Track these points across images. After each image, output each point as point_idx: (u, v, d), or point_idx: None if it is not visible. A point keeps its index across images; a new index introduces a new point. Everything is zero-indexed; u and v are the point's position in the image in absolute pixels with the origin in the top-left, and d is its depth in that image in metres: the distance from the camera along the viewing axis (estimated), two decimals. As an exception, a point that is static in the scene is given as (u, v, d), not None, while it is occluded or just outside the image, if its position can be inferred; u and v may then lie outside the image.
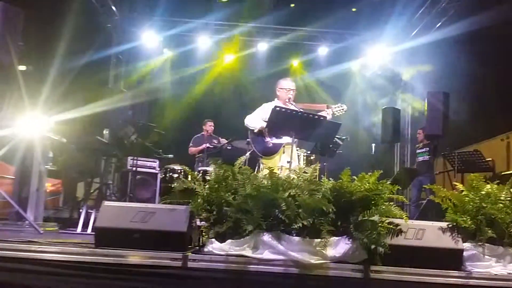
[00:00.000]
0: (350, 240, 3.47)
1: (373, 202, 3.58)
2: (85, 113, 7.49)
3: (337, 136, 7.11)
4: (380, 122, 10.14)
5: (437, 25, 11.02)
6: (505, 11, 8.30)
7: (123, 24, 12.20)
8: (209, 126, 9.51)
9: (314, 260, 3.39)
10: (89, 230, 5.75)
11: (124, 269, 3.37)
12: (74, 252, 3.47)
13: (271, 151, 5.72)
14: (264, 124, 5.59)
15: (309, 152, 7.28)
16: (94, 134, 7.40)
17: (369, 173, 3.71)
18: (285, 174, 3.95)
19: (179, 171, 7.85)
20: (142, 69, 12.35)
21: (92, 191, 7.10)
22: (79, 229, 5.95)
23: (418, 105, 11.72)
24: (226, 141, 8.44)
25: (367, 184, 3.61)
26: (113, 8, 11.62)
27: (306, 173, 3.83)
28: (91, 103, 7.81)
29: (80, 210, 6.31)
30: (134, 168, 7.87)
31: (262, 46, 12.53)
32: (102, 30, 11.84)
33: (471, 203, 3.68)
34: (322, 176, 3.99)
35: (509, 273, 3.50)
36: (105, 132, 9.70)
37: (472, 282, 3.46)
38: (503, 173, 8.27)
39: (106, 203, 3.76)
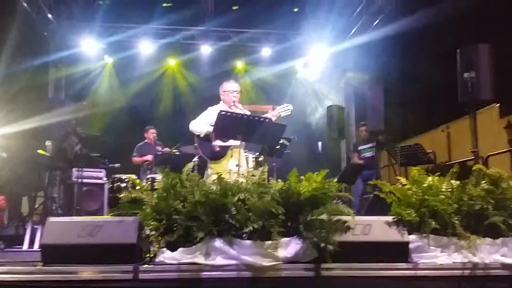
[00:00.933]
0: (301, 240, 3.52)
1: (321, 201, 3.64)
2: (26, 126, 7.26)
3: (284, 136, 7.18)
4: (325, 121, 10.32)
5: (374, 23, 11.31)
6: (439, 7, 8.61)
7: (60, 32, 11.87)
8: (151, 134, 9.37)
9: (266, 262, 3.42)
10: (36, 247, 5.57)
11: (74, 285, 3.30)
12: (21, 271, 3.37)
13: (219, 155, 5.71)
14: (211, 128, 5.56)
15: (257, 153, 7.32)
16: (36, 147, 7.17)
17: (316, 172, 3.77)
18: (234, 178, 3.96)
19: (126, 180, 7.71)
20: (83, 77, 12.06)
21: (36, 206, 6.87)
22: (25, 246, 5.74)
23: (360, 102, 11.99)
24: (170, 150, 8.35)
25: (314, 184, 3.66)
26: (49, 15, 11.29)
27: (254, 176, 3.85)
28: (32, 115, 7.57)
29: (26, 227, 6.09)
30: (79, 180, 7.68)
31: (206, 49, 12.50)
32: (40, 39, 11.51)
33: (414, 196, 3.79)
34: (270, 178, 4.00)
35: (454, 262, 3.63)
36: (48, 144, 9.42)
37: (419, 273, 3.58)
38: (444, 164, 8.60)
39: (51, 219, 3.65)
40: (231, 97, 5.88)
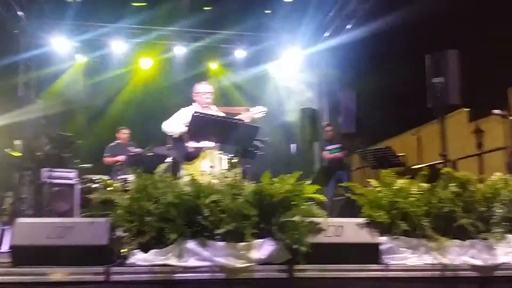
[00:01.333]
0: (274, 241, 3.54)
1: (293, 202, 3.67)
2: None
3: (257, 138, 7.20)
4: (298, 123, 10.37)
5: (347, 27, 11.43)
6: (409, 12, 8.76)
7: (31, 30, 11.66)
8: (123, 134, 9.26)
9: (239, 264, 3.43)
10: (3, 248, 5.45)
11: (45, 287, 3.24)
12: (-11, 273, 3.30)
13: (192, 156, 5.68)
14: (184, 129, 5.54)
15: (231, 155, 7.32)
16: (6, 146, 7.04)
17: (289, 174, 3.80)
18: (207, 180, 3.96)
19: (98, 181, 7.62)
20: (54, 76, 11.86)
21: (5, 206, 6.74)
22: (-7, 248, 5.62)
23: (333, 105, 12.10)
24: (142, 150, 8.27)
25: (287, 186, 3.69)
26: (19, 13, 11.07)
27: (228, 177, 3.85)
28: (2, 114, 7.43)
29: (-6, 228, 5.96)
30: (50, 180, 7.56)
31: (179, 50, 12.43)
32: (9, 37, 11.28)
33: (385, 199, 3.85)
34: (244, 179, 4.02)
35: (424, 264, 3.70)
36: (17, 143, 9.23)
37: (390, 274, 3.64)
38: (414, 167, 8.73)
39: (20, 219, 3.59)
40: (204, 98, 5.86)
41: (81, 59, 12.31)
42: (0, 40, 10.55)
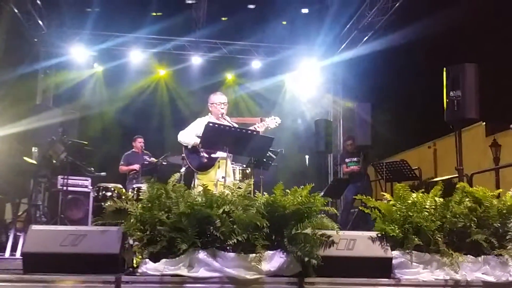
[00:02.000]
0: (284, 253, 3.53)
1: (305, 215, 3.65)
2: (13, 131, 7.20)
3: (271, 149, 7.20)
4: (313, 134, 10.35)
5: (364, 40, 11.43)
6: (426, 26, 8.73)
7: (51, 39, 11.85)
8: (139, 143, 9.35)
9: (249, 275, 3.41)
10: (18, 254, 5.50)
11: (55, 295, 3.26)
12: (1, 279, 3.32)
13: (206, 166, 5.70)
14: (198, 140, 5.57)
15: (244, 165, 7.33)
16: (22, 153, 7.11)
17: (302, 186, 3.79)
18: (220, 190, 3.96)
19: (112, 189, 7.66)
20: (72, 85, 12.01)
21: (20, 213, 6.80)
22: (7, 254, 5.67)
23: (348, 117, 12.07)
24: (156, 160, 8.32)
25: (300, 198, 3.67)
26: (40, 22, 11.27)
27: (240, 188, 3.85)
28: (19, 121, 7.52)
29: (8, 234, 6.02)
30: (64, 188, 7.62)
31: (196, 60, 12.53)
32: (30, 45, 11.48)
33: (398, 212, 3.82)
34: (256, 190, 4.02)
35: (436, 279, 3.65)
36: (34, 150, 9.34)
37: (401, 289, 3.60)
38: (429, 181, 8.66)
39: (34, 227, 3.62)
40: (219, 109, 5.89)
41: (99, 68, 12.44)
42: (20, 48, 10.72)
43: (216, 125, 5.23)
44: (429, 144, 10.13)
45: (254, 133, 5.33)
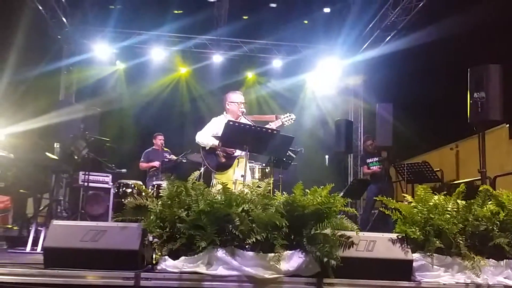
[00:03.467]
0: (303, 253, 3.51)
1: (325, 215, 3.64)
2: (35, 126, 7.28)
3: (291, 148, 7.18)
4: (333, 134, 10.30)
5: (387, 39, 11.33)
6: (450, 26, 8.61)
7: (74, 36, 11.98)
8: (159, 140, 9.39)
9: (268, 274, 3.41)
10: (39, 249, 5.56)
11: (75, 290, 3.29)
12: (22, 273, 3.37)
13: (225, 166, 5.69)
14: (216, 142, 5.55)
15: (263, 164, 7.32)
16: (44, 149, 7.19)
17: (321, 186, 3.77)
18: (239, 189, 3.96)
19: (132, 186, 7.72)
20: (94, 82, 12.12)
21: (41, 208, 6.88)
22: (28, 248, 5.74)
23: (369, 117, 11.98)
24: (176, 157, 8.35)
25: (319, 198, 3.65)
26: (64, 19, 11.41)
27: (260, 187, 3.84)
28: (42, 116, 7.61)
29: (30, 228, 6.10)
30: (85, 183, 7.69)
31: (217, 58, 12.55)
32: (53, 42, 11.62)
33: (420, 214, 3.78)
34: (275, 189, 4.01)
35: (457, 283, 3.61)
36: (56, 146, 9.45)
37: (422, 292, 3.56)
38: (451, 183, 8.54)
39: (55, 222, 3.66)
40: (238, 107, 5.86)
41: (121, 66, 12.54)
42: (44, 45, 10.86)
43: (237, 124, 5.23)
44: (451, 146, 9.96)
45: (274, 132, 5.31)
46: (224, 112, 5.97)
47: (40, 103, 9.04)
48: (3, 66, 8.80)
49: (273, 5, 11.98)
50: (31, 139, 7.10)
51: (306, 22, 12.36)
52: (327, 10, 11.88)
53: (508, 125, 8.30)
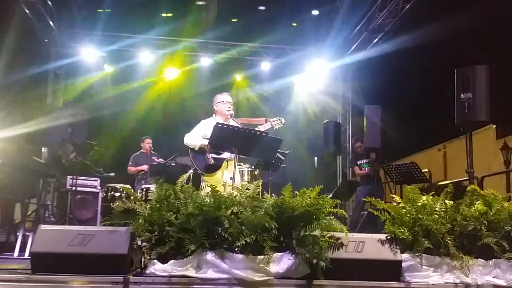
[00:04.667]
0: (293, 255, 3.51)
1: (314, 217, 3.64)
2: (23, 131, 7.23)
3: (280, 150, 7.18)
4: (321, 136, 10.32)
5: (374, 41, 11.39)
6: (437, 28, 8.69)
7: (61, 39, 11.93)
8: (147, 144, 9.36)
9: (258, 277, 3.40)
10: (26, 254, 5.51)
11: (63, 295, 3.26)
12: (9, 279, 3.34)
13: (213, 168, 5.68)
14: (205, 142, 5.54)
15: (253, 167, 7.32)
16: (32, 153, 7.13)
17: (310, 188, 3.77)
18: (228, 191, 3.95)
19: (121, 190, 7.67)
20: (82, 85, 12.06)
21: (29, 213, 6.82)
22: (16, 254, 5.69)
23: (357, 119, 12.03)
24: (164, 160, 8.32)
25: (308, 199, 3.66)
26: (51, 23, 11.34)
27: (249, 189, 3.84)
28: (29, 121, 7.56)
29: (17, 234, 6.04)
30: (73, 188, 7.64)
31: (206, 61, 12.54)
32: (40, 46, 11.55)
33: (408, 215, 3.79)
34: (265, 192, 4.01)
35: (446, 283, 3.63)
36: (44, 150, 9.38)
37: (411, 292, 3.57)
38: (439, 183, 8.60)
39: (43, 226, 3.63)
40: (226, 107, 5.85)
41: (109, 69, 12.48)
42: (31, 49, 10.79)
43: (225, 126, 5.22)
44: (439, 147, 10.06)
45: (263, 134, 5.31)
46: (213, 115, 5.96)
47: (28, 107, 8.98)
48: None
49: (262, 7, 12.00)
50: (18, 144, 7.05)
51: (295, 24, 12.40)
52: (315, 12, 11.92)
53: (495, 125, 8.39)
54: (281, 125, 5.95)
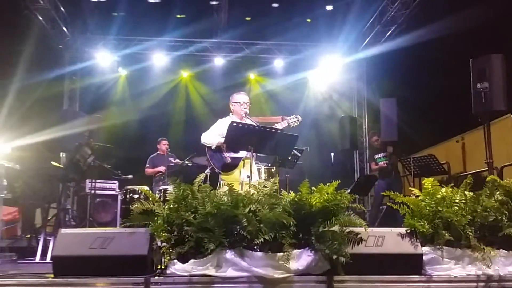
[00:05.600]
0: (312, 251, 3.50)
1: (332, 212, 3.63)
2: (41, 138, 7.31)
3: (296, 147, 7.17)
4: (337, 131, 10.28)
5: (387, 34, 11.30)
6: (451, 18, 8.58)
7: (75, 45, 12.05)
8: (163, 145, 9.43)
9: (278, 274, 3.40)
10: (48, 258, 5.58)
11: (86, 297, 3.30)
12: (32, 283, 3.39)
13: (230, 166, 5.70)
14: (222, 140, 5.56)
15: (269, 164, 7.31)
16: (50, 159, 7.22)
17: (327, 184, 3.75)
18: (245, 189, 3.95)
19: (139, 191, 7.73)
20: (97, 89, 12.17)
21: (49, 217, 6.91)
22: (37, 258, 5.77)
23: (373, 113, 11.95)
24: (181, 161, 8.35)
25: (326, 195, 3.65)
26: (64, 29, 11.44)
27: (266, 187, 3.84)
28: (46, 127, 7.64)
29: (39, 238, 6.13)
30: (92, 191, 7.72)
31: (219, 61, 12.55)
32: (55, 52, 11.68)
33: (428, 208, 3.76)
34: (282, 189, 4.00)
35: (468, 275, 3.59)
36: (62, 155, 9.48)
37: (433, 285, 3.54)
38: (459, 175, 8.51)
39: (63, 230, 3.66)
40: (242, 108, 5.87)
41: (123, 72, 12.58)
42: (46, 55, 10.90)
43: (240, 125, 5.22)
44: (457, 138, 9.92)
45: (278, 131, 5.31)
46: (230, 113, 5.99)
47: (45, 113, 9.08)
48: (7, 80, 8.86)
49: (275, 5, 11.97)
50: (37, 150, 7.14)
51: (309, 20, 12.34)
52: (329, 7, 11.85)
53: (512, 114, 8.26)
54: (298, 123, 5.94)
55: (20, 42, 9.25)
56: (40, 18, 10.45)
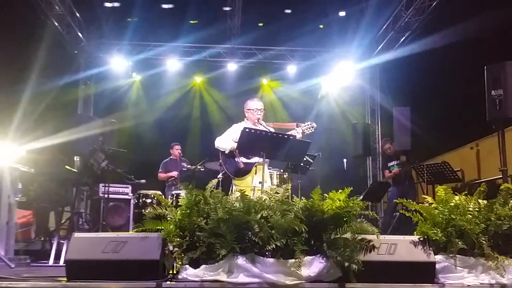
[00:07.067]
0: (324, 258, 3.49)
1: (345, 219, 3.61)
2: (56, 142, 7.38)
3: (308, 153, 7.16)
4: (350, 138, 10.25)
5: (401, 40, 11.27)
6: (465, 25, 8.54)
7: (90, 50, 12.17)
8: (176, 150, 9.46)
9: (289, 281, 3.39)
10: (61, 262, 5.62)
11: (98, 301, 3.32)
12: (45, 287, 3.41)
13: (243, 172, 5.70)
14: (235, 145, 5.58)
15: (281, 170, 7.31)
16: (64, 163, 7.28)
17: (340, 190, 3.74)
18: (257, 195, 3.95)
19: (152, 196, 7.76)
20: (111, 94, 12.28)
21: (63, 221, 6.96)
22: (51, 261, 5.81)
23: (386, 119, 11.90)
24: (194, 166, 8.37)
25: (338, 202, 3.63)
26: (80, 35, 11.57)
27: (278, 193, 3.84)
28: (61, 131, 7.71)
29: (52, 241, 6.17)
30: (106, 195, 7.76)
31: (232, 67, 12.60)
32: (70, 57, 11.80)
33: (441, 216, 3.73)
34: (293, 195, 4.00)
35: (481, 284, 3.56)
36: (76, 159, 9.56)
37: (445, 294, 3.51)
38: (472, 182, 8.43)
39: (76, 234, 3.69)
40: (255, 114, 5.89)
41: (137, 77, 12.68)
42: (61, 60, 11.02)
43: (253, 131, 5.23)
44: (471, 145, 9.85)
45: (291, 137, 5.31)
46: (245, 119, 6.01)
47: (60, 117, 9.16)
48: (23, 85, 8.97)
49: (288, 11, 12.00)
50: (51, 154, 7.20)
51: (321, 26, 12.36)
52: (342, 13, 11.86)
53: (528, 122, 8.18)
54: (313, 129, 5.90)
55: (36, 47, 9.35)
56: (56, 24, 10.58)
